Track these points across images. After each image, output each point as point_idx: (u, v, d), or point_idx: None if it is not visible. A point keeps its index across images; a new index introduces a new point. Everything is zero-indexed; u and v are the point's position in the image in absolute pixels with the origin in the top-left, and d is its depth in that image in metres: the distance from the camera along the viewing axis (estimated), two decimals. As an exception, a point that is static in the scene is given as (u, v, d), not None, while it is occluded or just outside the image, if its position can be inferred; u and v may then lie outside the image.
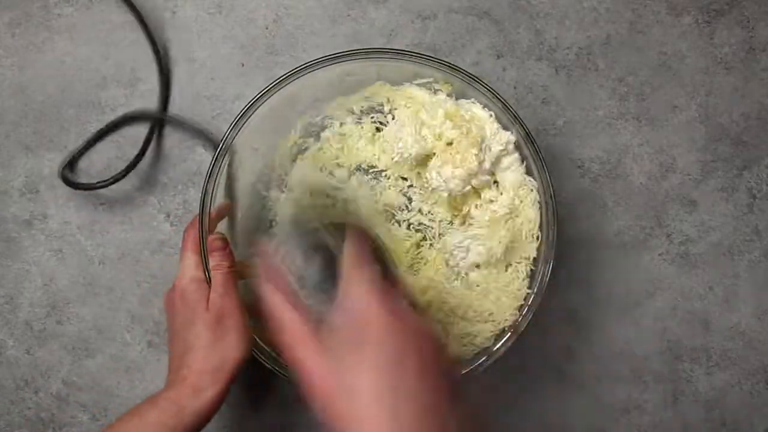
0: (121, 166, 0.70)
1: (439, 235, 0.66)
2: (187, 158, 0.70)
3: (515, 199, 0.63)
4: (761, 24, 0.72)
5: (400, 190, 0.66)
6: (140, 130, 0.70)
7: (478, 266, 0.64)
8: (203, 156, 0.70)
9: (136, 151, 0.69)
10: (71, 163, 0.69)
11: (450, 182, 0.61)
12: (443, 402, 0.42)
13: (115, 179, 0.67)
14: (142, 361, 0.70)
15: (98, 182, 0.67)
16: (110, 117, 0.70)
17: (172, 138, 0.70)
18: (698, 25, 0.72)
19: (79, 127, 0.70)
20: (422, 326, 0.44)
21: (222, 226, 0.63)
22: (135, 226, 0.70)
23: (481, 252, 0.63)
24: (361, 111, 0.67)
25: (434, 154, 0.63)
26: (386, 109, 0.66)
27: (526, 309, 0.61)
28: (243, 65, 0.71)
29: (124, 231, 0.70)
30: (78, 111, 0.71)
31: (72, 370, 0.70)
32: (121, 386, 0.70)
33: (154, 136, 0.69)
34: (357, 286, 0.44)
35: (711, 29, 0.72)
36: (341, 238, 0.48)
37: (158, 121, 0.69)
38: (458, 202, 0.64)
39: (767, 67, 0.72)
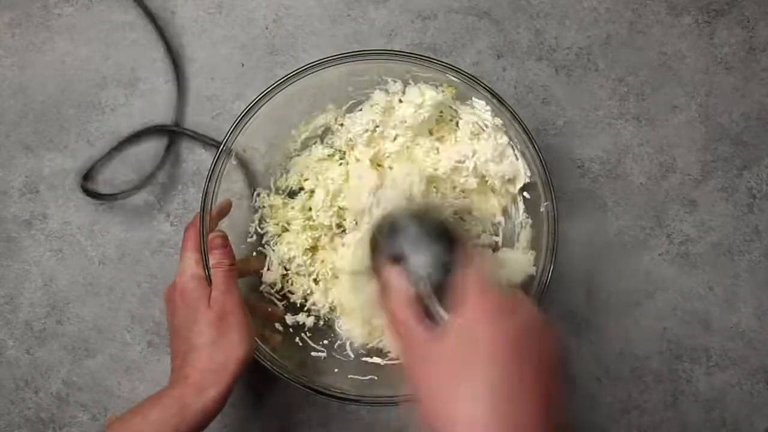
0: (125, 171, 0.70)
1: None
2: (187, 158, 0.70)
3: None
4: (761, 24, 0.72)
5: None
6: (144, 136, 0.70)
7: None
8: (203, 156, 0.70)
9: (138, 156, 0.70)
10: (89, 174, 0.69)
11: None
12: None
13: (136, 188, 0.67)
14: (142, 361, 0.70)
15: (119, 192, 0.67)
16: (110, 117, 0.70)
17: (178, 146, 0.70)
18: (698, 25, 0.72)
19: (79, 127, 0.70)
20: (558, 355, 0.45)
21: (223, 225, 0.63)
22: (135, 226, 0.70)
23: None
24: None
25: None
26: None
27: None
28: (243, 65, 0.71)
29: (124, 231, 0.70)
30: (78, 111, 0.71)
31: (72, 370, 0.70)
32: (121, 386, 0.70)
33: (172, 145, 0.70)
34: (478, 304, 0.45)
35: (711, 29, 0.72)
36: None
37: (176, 134, 0.70)
38: None
39: (767, 67, 0.72)
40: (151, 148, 0.70)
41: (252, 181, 0.65)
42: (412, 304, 0.47)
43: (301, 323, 0.66)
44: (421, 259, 0.49)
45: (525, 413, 0.42)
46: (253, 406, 0.70)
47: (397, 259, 0.50)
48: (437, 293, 0.48)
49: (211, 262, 0.58)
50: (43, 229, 0.70)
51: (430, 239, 0.50)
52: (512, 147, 0.63)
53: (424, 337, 0.46)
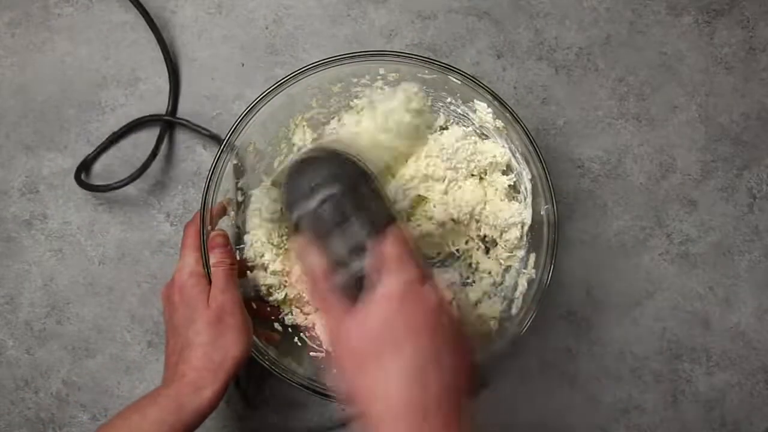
0: (123, 166, 0.70)
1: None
2: (187, 158, 0.70)
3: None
4: (761, 24, 0.72)
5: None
6: (142, 132, 0.70)
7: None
8: (203, 156, 0.70)
9: (136, 151, 0.70)
10: (84, 166, 0.69)
11: None
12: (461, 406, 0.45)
13: (130, 180, 0.67)
14: (142, 361, 0.70)
15: (113, 183, 0.67)
16: (110, 117, 0.70)
17: (172, 139, 0.70)
18: (698, 25, 0.72)
19: (79, 127, 0.70)
20: (458, 328, 0.47)
21: (222, 224, 0.63)
22: (135, 226, 0.70)
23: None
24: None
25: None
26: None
27: (525, 310, 0.61)
28: (243, 65, 0.71)
29: (124, 231, 0.70)
30: (78, 111, 0.71)
31: (72, 370, 0.70)
32: (121, 386, 0.70)
33: (165, 136, 0.70)
34: (399, 277, 0.46)
35: (711, 29, 0.72)
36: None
37: (170, 124, 0.70)
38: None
39: (767, 67, 0.72)
40: (147, 142, 0.70)
41: (242, 179, 0.65)
42: (333, 288, 0.48)
43: (299, 323, 0.66)
44: (341, 242, 0.48)
45: (437, 390, 0.44)
46: (252, 406, 0.70)
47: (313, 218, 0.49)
48: (358, 273, 0.47)
49: (212, 260, 0.58)
50: (43, 229, 0.70)
51: (353, 211, 0.48)
52: (512, 153, 0.64)
53: (345, 318, 0.46)
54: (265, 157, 0.66)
